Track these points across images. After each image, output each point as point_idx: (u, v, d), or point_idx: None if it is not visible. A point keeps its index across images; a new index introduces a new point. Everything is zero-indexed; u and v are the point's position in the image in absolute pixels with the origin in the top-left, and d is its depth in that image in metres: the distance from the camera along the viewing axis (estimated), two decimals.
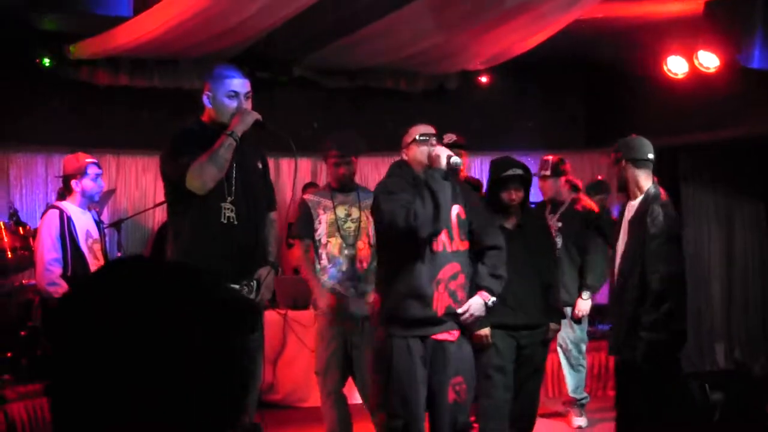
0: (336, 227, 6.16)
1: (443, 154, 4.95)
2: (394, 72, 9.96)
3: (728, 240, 10.05)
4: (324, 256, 6.16)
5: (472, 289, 5.16)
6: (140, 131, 9.17)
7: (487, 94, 10.28)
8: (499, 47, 8.75)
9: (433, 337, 5.03)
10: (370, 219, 5.81)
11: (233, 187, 4.73)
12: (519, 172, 5.77)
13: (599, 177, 8.88)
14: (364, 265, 6.12)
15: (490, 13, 7.48)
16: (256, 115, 4.67)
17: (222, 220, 4.68)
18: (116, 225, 7.68)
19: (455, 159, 4.92)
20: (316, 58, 9.32)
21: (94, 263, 6.09)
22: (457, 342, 5.10)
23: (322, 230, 6.20)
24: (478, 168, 10.38)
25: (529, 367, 5.85)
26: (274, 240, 5.11)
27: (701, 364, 9.60)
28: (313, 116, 9.70)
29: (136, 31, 7.81)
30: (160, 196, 9.30)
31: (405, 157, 5.22)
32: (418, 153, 5.10)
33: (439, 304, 5.00)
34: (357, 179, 6.52)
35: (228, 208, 4.70)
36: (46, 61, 8.72)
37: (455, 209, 5.11)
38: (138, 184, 9.26)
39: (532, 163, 10.75)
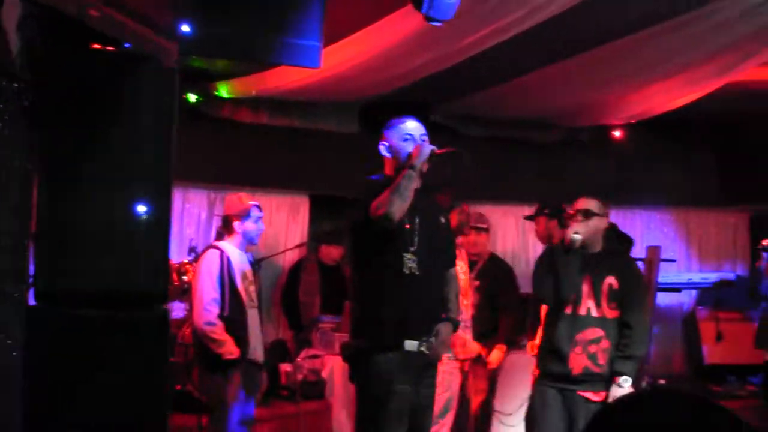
0: None
1: (570, 232, 5.52)
2: (527, 123, 9.95)
3: None
4: None
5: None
6: (277, 169, 9.30)
7: (621, 149, 10.20)
8: (644, 107, 8.71)
9: (579, 393, 5.44)
10: None
11: (415, 238, 4.78)
12: None
13: None
14: None
15: (646, 74, 7.47)
16: (432, 147, 4.76)
17: (404, 270, 4.73)
18: (257, 264, 7.75)
19: (575, 236, 5.46)
20: (454, 105, 9.33)
21: (249, 304, 6.18)
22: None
23: None
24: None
25: None
26: (455, 296, 5.14)
27: None
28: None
29: (283, 78, 7.91)
30: (292, 237, 9.48)
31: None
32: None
33: (575, 363, 5.41)
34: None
35: (410, 259, 4.75)
36: (192, 98, 8.87)
37: (609, 279, 5.51)
38: (271, 221, 9.29)
39: (657, 219, 10.70)
